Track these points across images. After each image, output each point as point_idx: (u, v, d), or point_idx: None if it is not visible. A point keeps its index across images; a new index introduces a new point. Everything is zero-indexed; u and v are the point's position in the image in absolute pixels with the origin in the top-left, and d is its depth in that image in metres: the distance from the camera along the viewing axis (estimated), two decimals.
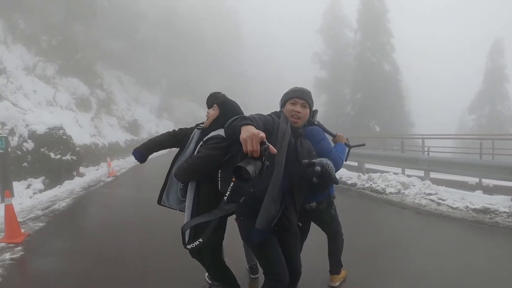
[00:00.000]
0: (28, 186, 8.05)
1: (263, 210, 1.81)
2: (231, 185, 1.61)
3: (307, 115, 2.18)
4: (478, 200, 5.90)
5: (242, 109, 2.44)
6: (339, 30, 32.21)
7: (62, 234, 5.01)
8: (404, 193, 7.14)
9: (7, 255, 3.90)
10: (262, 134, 1.46)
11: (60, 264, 3.74)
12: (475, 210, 5.59)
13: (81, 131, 14.07)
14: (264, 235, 1.93)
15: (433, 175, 8.53)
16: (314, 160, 1.88)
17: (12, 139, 8.32)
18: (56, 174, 9.18)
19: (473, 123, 32.78)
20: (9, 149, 7.36)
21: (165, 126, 30.94)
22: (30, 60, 14.94)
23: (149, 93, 33.20)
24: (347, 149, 2.74)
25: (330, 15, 32.70)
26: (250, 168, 1.38)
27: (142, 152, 2.63)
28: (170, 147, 2.76)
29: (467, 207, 5.74)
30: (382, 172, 8.61)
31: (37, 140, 9.07)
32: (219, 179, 2.09)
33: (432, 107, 50.63)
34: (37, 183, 8.35)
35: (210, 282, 2.86)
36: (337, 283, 3.04)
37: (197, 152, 2.26)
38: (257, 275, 3.15)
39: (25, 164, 8.44)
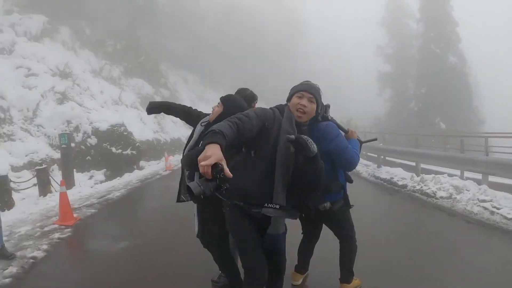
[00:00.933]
0: (91, 177, 9.03)
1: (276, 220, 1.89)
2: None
3: (313, 111, 2.10)
4: None
5: None
6: (401, 21, 30.31)
7: (109, 220, 5.62)
8: (455, 198, 6.50)
9: (57, 235, 4.49)
10: (215, 158, 1.41)
11: (98, 246, 4.18)
12: None
13: (144, 128, 15.24)
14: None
15: (494, 179, 7.62)
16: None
17: (77, 136, 9.42)
18: (117, 167, 10.14)
19: None
20: (73, 144, 8.33)
21: None
22: (97, 63, 16.54)
23: (213, 91, 34.08)
24: (359, 145, 2.66)
25: (393, 5, 31.00)
26: (197, 190, 1.40)
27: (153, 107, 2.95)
28: (178, 117, 3.02)
29: None
30: (440, 173, 7.91)
31: (99, 136, 10.11)
32: None
33: (507, 102, 44.34)
34: (99, 174, 9.33)
35: (219, 272, 2.94)
36: None
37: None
38: None
39: (88, 157, 9.50)
